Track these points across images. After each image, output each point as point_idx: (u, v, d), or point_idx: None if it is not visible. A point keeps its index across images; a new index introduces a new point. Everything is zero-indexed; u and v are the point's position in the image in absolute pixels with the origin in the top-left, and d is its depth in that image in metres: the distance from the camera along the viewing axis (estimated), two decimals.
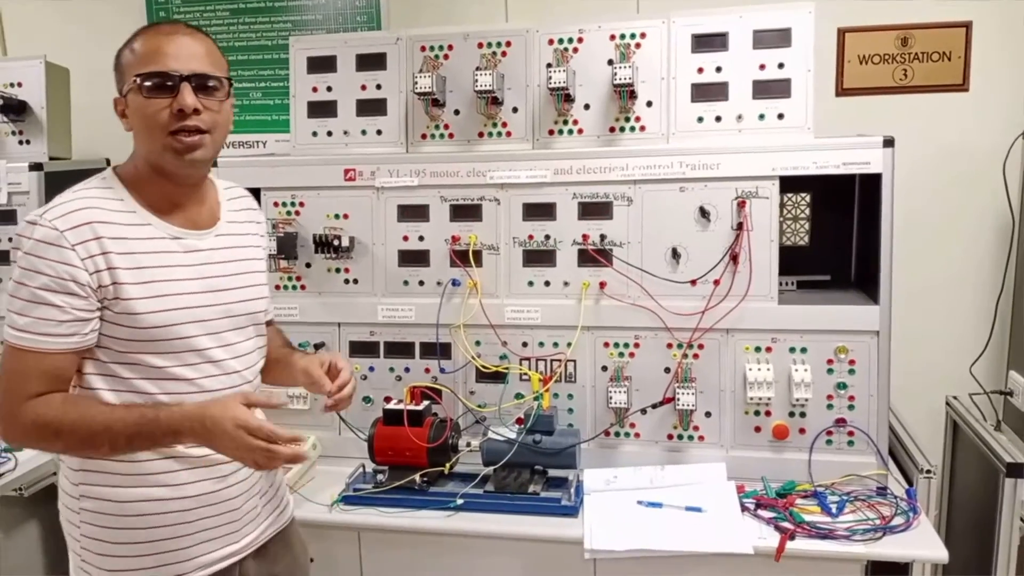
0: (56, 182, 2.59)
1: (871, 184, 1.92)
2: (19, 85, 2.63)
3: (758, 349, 1.95)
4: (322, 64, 2.18)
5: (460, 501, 1.87)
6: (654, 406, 1.98)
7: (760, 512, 1.80)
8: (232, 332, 1.50)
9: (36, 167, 2.51)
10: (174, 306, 1.41)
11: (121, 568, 1.44)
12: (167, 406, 1.38)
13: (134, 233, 1.40)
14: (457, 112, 2.12)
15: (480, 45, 2.09)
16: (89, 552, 1.45)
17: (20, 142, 2.65)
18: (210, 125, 1.41)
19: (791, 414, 1.94)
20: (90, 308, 1.35)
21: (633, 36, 2.01)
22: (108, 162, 2.86)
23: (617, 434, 2.03)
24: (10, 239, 2.03)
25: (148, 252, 1.40)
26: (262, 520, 1.59)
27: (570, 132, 2.06)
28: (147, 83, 1.37)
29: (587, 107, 2.05)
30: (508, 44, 2.08)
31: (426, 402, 1.98)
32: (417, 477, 1.91)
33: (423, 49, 2.12)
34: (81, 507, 1.44)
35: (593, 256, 2.00)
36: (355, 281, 2.14)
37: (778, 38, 1.95)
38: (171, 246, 1.44)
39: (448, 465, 1.93)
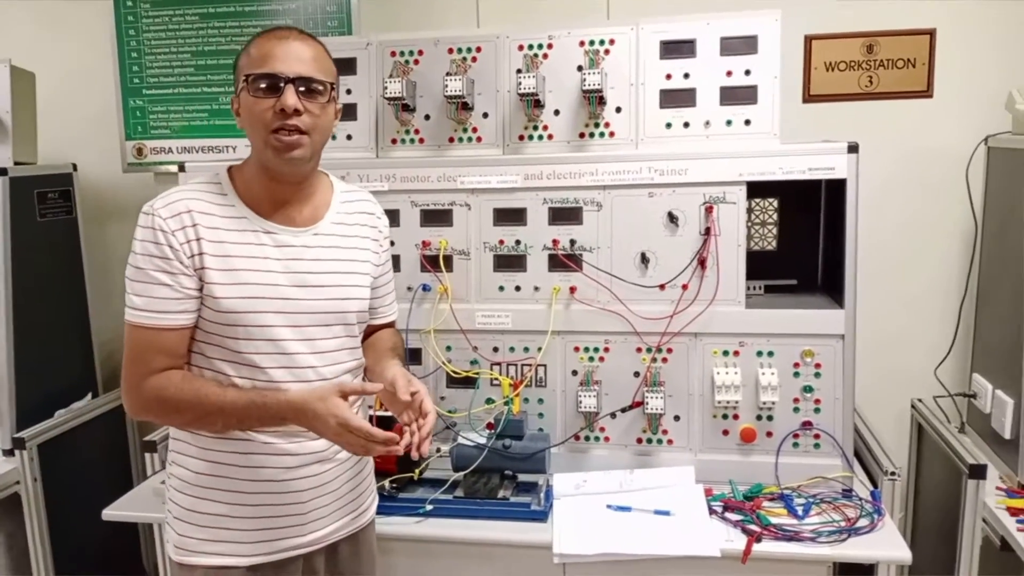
0: (21, 187, 2.56)
1: (837, 189, 1.94)
2: None
3: (726, 353, 1.97)
4: None
5: (430, 507, 1.86)
6: (623, 410, 1.99)
7: (728, 515, 1.81)
8: (317, 328, 1.53)
9: (1, 172, 2.47)
10: (253, 295, 1.47)
11: (186, 535, 1.54)
12: (273, 393, 1.46)
13: (228, 224, 1.49)
14: (427, 117, 2.12)
15: (450, 50, 2.09)
16: (170, 514, 1.58)
17: None
18: (309, 127, 1.47)
19: (758, 417, 1.96)
20: (195, 286, 1.46)
21: (602, 42, 2.02)
22: (74, 167, 2.83)
23: (587, 438, 2.04)
24: None
25: (237, 243, 1.49)
26: (333, 521, 1.60)
27: (540, 138, 2.07)
28: (255, 83, 1.46)
29: (557, 113, 2.05)
30: (478, 50, 2.09)
31: None
32: (386, 483, 1.91)
33: (393, 54, 2.12)
34: (170, 472, 1.58)
35: (563, 261, 2.01)
36: None
37: (745, 45, 1.97)
38: (263, 239, 1.51)
39: (417, 471, 1.93)
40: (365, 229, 1.65)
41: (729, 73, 1.98)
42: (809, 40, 2.59)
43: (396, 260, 2.08)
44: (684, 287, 1.95)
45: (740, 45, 1.97)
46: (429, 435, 1.49)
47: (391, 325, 1.80)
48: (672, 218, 1.96)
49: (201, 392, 1.45)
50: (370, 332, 1.74)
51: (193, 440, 1.53)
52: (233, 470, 1.51)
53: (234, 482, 1.51)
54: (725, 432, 1.98)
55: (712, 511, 1.82)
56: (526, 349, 2.05)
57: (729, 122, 1.98)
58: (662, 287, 1.97)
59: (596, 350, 2.02)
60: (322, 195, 1.61)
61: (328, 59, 1.54)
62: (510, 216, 2.04)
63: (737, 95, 1.97)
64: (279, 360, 1.49)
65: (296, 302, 1.51)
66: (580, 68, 2.02)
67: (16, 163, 2.60)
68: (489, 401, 2.06)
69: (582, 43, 2.04)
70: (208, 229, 1.47)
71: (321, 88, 1.49)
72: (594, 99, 1.99)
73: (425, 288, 2.08)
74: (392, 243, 2.06)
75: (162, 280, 1.44)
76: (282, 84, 1.45)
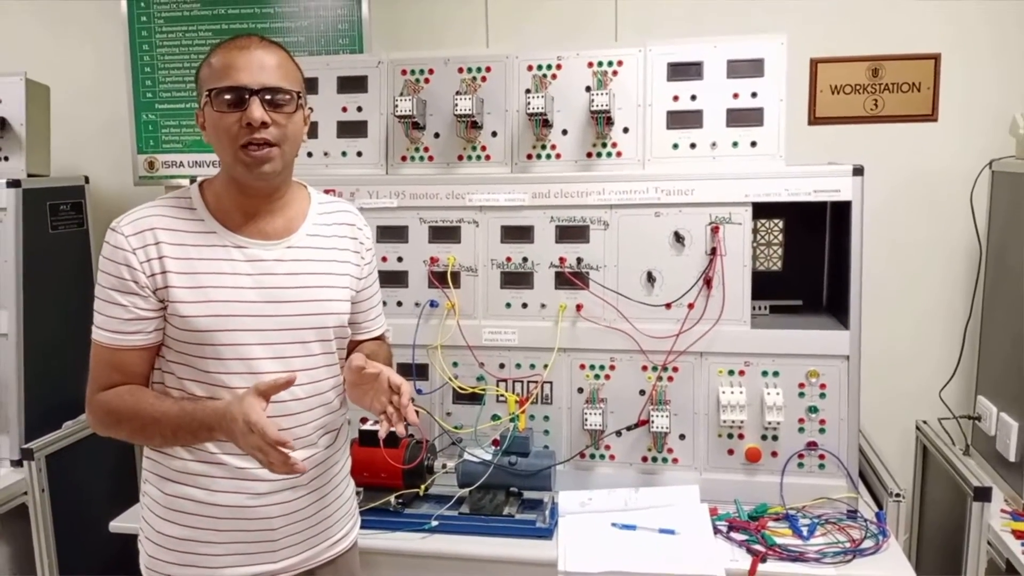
0: (34, 199, 2.59)
1: (842, 211, 1.96)
2: None
3: (731, 372, 1.98)
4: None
5: (435, 523, 1.87)
6: (629, 428, 2.00)
7: (732, 534, 1.81)
8: (291, 345, 1.49)
9: (14, 183, 2.50)
10: (222, 312, 1.43)
11: (156, 556, 1.52)
12: (203, 402, 1.42)
13: (195, 240, 1.46)
14: (437, 135, 2.14)
15: (460, 70, 2.12)
16: (143, 534, 1.56)
17: None
18: (278, 139, 1.43)
19: (763, 437, 1.97)
20: (151, 308, 1.43)
21: (610, 64, 2.05)
22: (87, 179, 2.86)
23: (592, 456, 2.04)
24: None
25: (205, 259, 1.45)
26: (307, 548, 1.57)
27: (548, 157, 2.09)
28: (219, 97, 1.41)
29: (565, 132, 2.08)
30: (488, 69, 2.11)
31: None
32: (392, 498, 1.91)
33: (404, 73, 2.15)
34: (144, 492, 1.55)
35: (570, 279, 2.02)
36: None
37: (751, 68, 1.99)
38: (233, 255, 1.47)
39: (423, 487, 1.93)
40: (345, 240, 1.60)
41: (736, 95, 2.00)
42: (815, 63, 2.62)
43: (404, 276, 2.11)
44: (690, 306, 1.97)
45: (747, 68, 2.00)
46: (410, 400, 1.43)
47: (381, 339, 1.75)
48: (678, 238, 1.98)
49: (141, 404, 1.42)
50: (355, 348, 1.68)
51: (164, 460, 1.50)
52: (202, 494, 1.47)
53: (202, 506, 1.47)
54: (730, 451, 1.99)
55: (717, 530, 1.83)
56: (532, 366, 2.06)
57: (735, 143, 2.00)
58: (668, 306, 1.98)
59: (602, 368, 2.03)
60: (297, 206, 1.56)
61: (293, 65, 1.49)
62: (518, 234, 2.06)
63: (743, 117, 2.00)
64: (250, 380, 1.42)
65: (268, 319, 1.46)
66: (588, 89, 2.04)
67: (29, 175, 2.63)
68: (495, 417, 2.06)
69: (590, 64, 2.06)
70: (173, 246, 1.43)
71: (288, 97, 1.44)
72: (602, 119, 2.01)
73: (433, 304, 2.09)
74: (400, 258, 2.11)
75: (117, 300, 1.42)
76: (247, 96, 1.39)
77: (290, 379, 1.38)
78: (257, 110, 1.39)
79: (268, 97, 1.41)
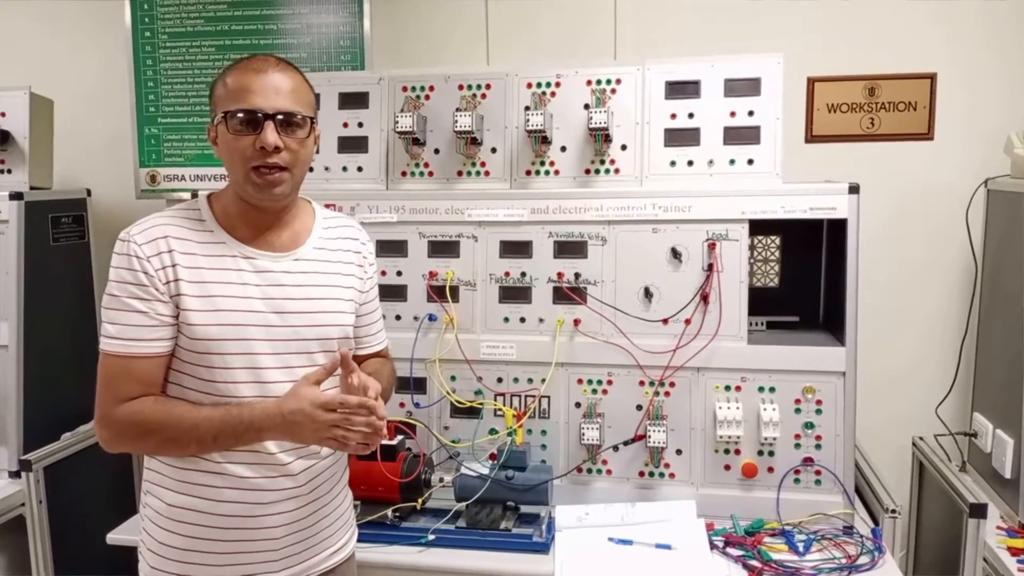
0: (36, 211, 2.61)
1: (839, 228, 1.97)
2: (2, 115, 2.64)
3: (728, 388, 1.98)
4: None
5: (432, 537, 1.87)
6: (626, 443, 2.01)
7: (729, 550, 1.81)
8: (297, 355, 1.50)
9: (17, 196, 2.51)
10: (230, 322, 1.45)
11: (158, 567, 1.51)
12: (249, 404, 1.43)
13: (205, 250, 1.47)
14: (437, 151, 2.16)
15: (460, 87, 2.15)
16: (143, 544, 1.55)
17: (1, 171, 2.66)
18: (290, 163, 1.45)
19: (760, 453, 1.97)
20: (171, 313, 1.44)
21: (609, 82, 2.07)
22: (88, 192, 2.87)
23: (589, 471, 2.05)
24: None
25: (215, 268, 1.46)
26: (308, 557, 1.57)
27: (547, 173, 2.11)
28: (233, 120, 1.43)
29: (564, 149, 2.10)
30: (488, 86, 2.14)
31: (400, 436, 1.99)
32: (389, 512, 1.91)
33: (405, 89, 2.17)
34: (145, 503, 1.55)
35: (568, 294, 2.04)
36: None
37: (748, 87, 2.02)
38: (241, 265, 1.48)
39: (420, 500, 1.94)
40: (349, 254, 1.63)
41: (733, 114, 2.02)
42: (812, 82, 2.65)
43: (403, 290, 2.13)
44: (687, 322, 1.98)
45: (744, 87, 2.02)
46: (375, 395, 1.44)
47: (380, 355, 1.77)
48: (675, 254, 1.99)
49: (175, 412, 1.42)
50: (360, 364, 1.70)
51: (167, 472, 1.50)
52: (206, 504, 1.47)
53: (207, 516, 1.47)
54: (727, 467, 1.99)
55: (713, 546, 1.83)
56: (530, 380, 2.07)
57: (732, 161, 2.02)
58: (665, 321, 1.99)
59: (599, 383, 2.04)
60: (303, 221, 1.59)
61: (307, 89, 1.51)
62: (516, 249, 2.08)
63: (740, 135, 2.02)
64: (256, 389, 1.46)
65: (275, 329, 1.48)
66: (587, 106, 2.06)
67: (32, 188, 2.65)
68: (492, 432, 2.07)
69: (589, 82, 2.08)
70: (184, 255, 1.45)
71: (301, 121, 1.46)
72: (600, 136, 2.03)
73: (431, 318, 2.10)
74: (399, 272, 2.13)
75: (136, 307, 1.41)
76: (261, 119, 1.42)
77: (336, 360, 1.44)
78: (271, 135, 1.42)
79: (281, 118, 1.44)
